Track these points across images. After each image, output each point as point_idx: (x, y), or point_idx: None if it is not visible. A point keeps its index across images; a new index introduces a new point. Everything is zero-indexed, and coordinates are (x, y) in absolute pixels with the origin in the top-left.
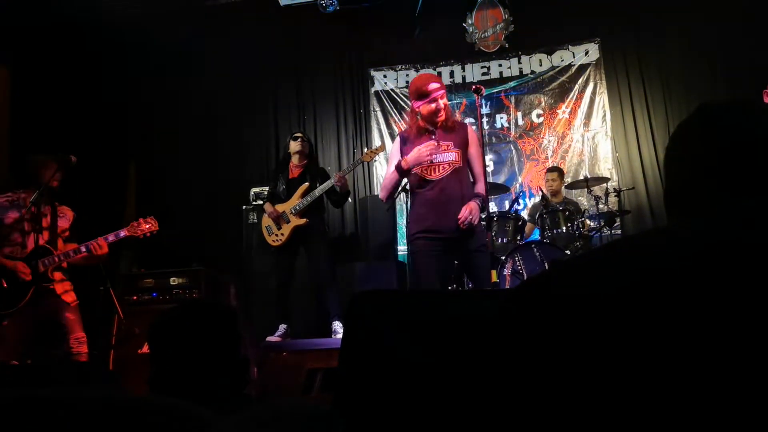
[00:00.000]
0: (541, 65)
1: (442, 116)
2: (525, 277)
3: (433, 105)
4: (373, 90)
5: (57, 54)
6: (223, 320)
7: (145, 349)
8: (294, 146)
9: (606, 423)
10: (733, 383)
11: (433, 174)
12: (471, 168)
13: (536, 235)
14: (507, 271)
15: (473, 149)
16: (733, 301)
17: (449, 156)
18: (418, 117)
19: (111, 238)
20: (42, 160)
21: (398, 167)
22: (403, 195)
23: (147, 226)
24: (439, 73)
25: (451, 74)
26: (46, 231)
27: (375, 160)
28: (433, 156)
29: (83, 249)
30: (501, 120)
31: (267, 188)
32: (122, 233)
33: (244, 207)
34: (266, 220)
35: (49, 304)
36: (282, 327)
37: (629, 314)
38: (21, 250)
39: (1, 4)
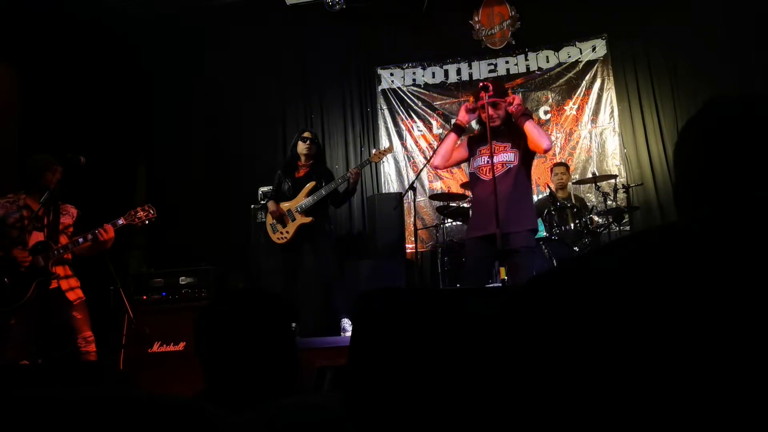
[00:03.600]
0: (548, 62)
1: (491, 123)
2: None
3: (482, 113)
4: (380, 88)
5: (66, 54)
6: (281, 310)
7: (155, 348)
8: (301, 147)
9: (610, 416)
10: (731, 382)
11: (486, 174)
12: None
13: (542, 231)
14: None
15: (527, 125)
16: (736, 297)
17: (504, 156)
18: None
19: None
20: (45, 162)
21: (455, 125)
22: (410, 194)
23: (144, 214)
24: (446, 71)
25: (458, 72)
26: (47, 228)
27: (383, 161)
28: (487, 156)
29: (89, 237)
30: None
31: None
32: (120, 221)
33: (252, 206)
34: (270, 218)
35: (54, 302)
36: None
37: (634, 311)
38: (23, 249)
39: (10, 5)
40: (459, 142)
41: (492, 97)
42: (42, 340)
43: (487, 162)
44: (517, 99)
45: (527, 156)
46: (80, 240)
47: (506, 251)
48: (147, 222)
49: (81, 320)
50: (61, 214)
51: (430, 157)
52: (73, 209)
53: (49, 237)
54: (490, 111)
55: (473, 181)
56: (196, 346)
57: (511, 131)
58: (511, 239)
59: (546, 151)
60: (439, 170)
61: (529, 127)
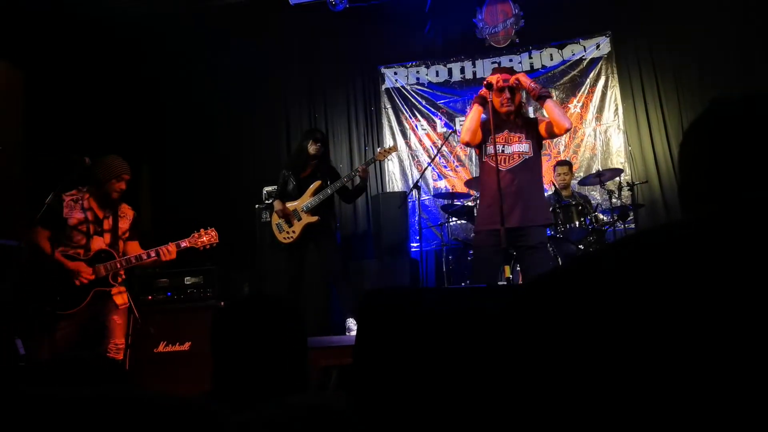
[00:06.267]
0: (552, 59)
1: (504, 108)
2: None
3: (499, 97)
4: (383, 87)
5: (69, 55)
6: (293, 315)
7: (161, 348)
8: (312, 148)
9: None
10: (734, 383)
11: (504, 164)
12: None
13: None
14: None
15: (548, 103)
16: (739, 297)
17: (519, 147)
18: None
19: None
20: (116, 168)
21: (479, 97)
22: (414, 192)
23: (207, 238)
24: (450, 69)
25: (462, 70)
26: (108, 233)
27: (387, 161)
28: (505, 145)
29: (153, 254)
30: None
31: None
32: (183, 244)
33: (257, 206)
34: (276, 218)
35: (102, 302)
36: None
37: (637, 311)
38: (84, 253)
39: (11, 5)
40: (483, 117)
41: (506, 81)
42: (80, 342)
43: (502, 151)
44: (527, 78)
45: (540, 147)
46: (144, 257)
47: (523, 246)
48: (209, 247)
49: (120, 326)
50: (119, 217)
51: (447, 135)
52: (129, 210)
53: (110, 244)
54: (506, 94)
55: (485, 171)
56: (211, 348)
57: (524, 121)
58: (530, 233)
59: (568, 131)
60: (471, 146)
61: (551, 106)
